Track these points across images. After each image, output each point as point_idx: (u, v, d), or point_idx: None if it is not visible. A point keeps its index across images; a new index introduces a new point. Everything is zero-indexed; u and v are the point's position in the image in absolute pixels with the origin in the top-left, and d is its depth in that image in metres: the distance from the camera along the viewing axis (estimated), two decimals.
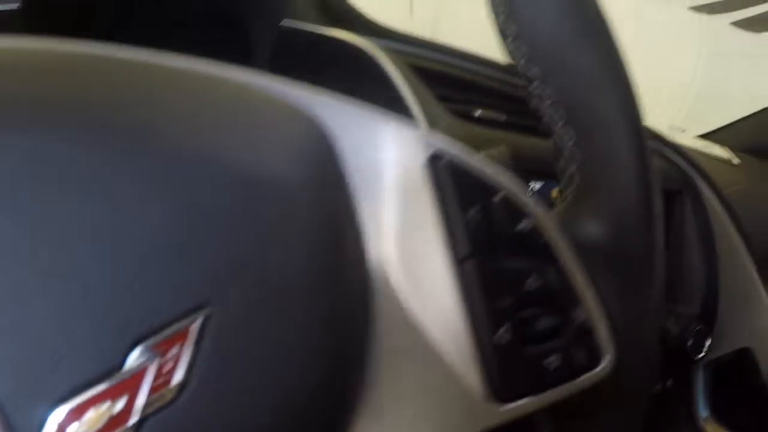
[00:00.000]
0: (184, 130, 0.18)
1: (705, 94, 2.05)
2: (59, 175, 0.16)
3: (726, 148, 0.90)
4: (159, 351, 0.16)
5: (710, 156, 0.86)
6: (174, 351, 0.16)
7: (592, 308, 0.24)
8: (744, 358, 0.62)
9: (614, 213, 0.26)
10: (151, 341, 0.16)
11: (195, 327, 0.16)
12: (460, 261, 0.21)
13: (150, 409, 0.16)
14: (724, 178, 0.81)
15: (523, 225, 0.23)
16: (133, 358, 0.16)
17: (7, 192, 0.15)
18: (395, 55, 0.53)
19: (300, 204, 0.19)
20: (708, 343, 0.62)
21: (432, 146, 0.22)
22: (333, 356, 0.19)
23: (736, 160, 0.88)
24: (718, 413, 0.62)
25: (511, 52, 0.26)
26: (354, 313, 0.20)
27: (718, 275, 0.62)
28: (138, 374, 0.15)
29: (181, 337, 0.16)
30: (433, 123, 0.46)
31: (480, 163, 0.23)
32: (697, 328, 0.62)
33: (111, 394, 0.15)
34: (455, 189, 0.21)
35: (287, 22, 0.49)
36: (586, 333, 0.24)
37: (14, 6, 0.44)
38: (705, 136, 1.00)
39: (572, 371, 0.24)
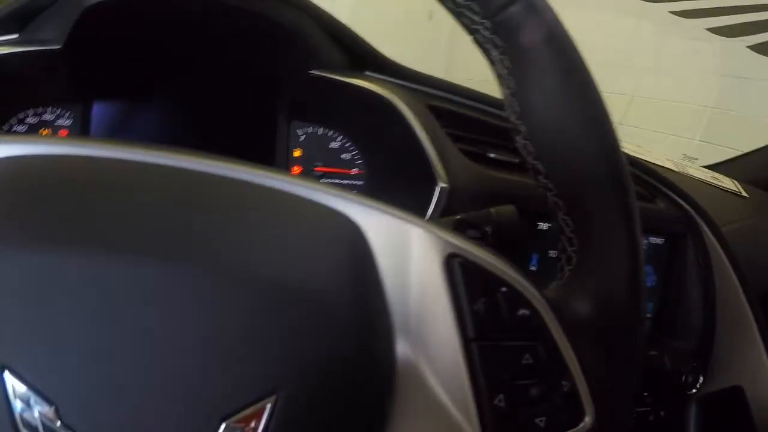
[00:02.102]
0: (245, 251, 0.23)
1: (720, 116, 2.05)
2: (155, 295, 0.20)
3: (735, 180, 0.92)
4: (240, 426, 0.20)
5: (719, 188, 0.88)
6: (252, 425, 0.21)
7: (577, 377, 0.28)
8: (736, 395, 0.65)
9: (606, 296, 0.29)
10: (234, 419, 0.20)
11: (267, 408, 0.21)
12: (467, 343, 0.26)
13: None
14: (732, 212, 0.82)
15: (522, 311, 0.27)
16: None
17: (114, 308, 0.20)
18: (415, 96, 0.56)
19: (344, 307, 0.23)
20: (701, 378, 0.65)
21: (449, 247, 0.26)
22: (368, 421, 0.24)
23: (744, 193, 0.90)
24: None
25: (522, 148, 0.29)
26: (383, 383, 0.24)
27: (716, 315, 0.65)
28: None
29: (256, 415, 0.21)
30: (448, 168, 0.49)
31: (489, 257, 0.27)
32: (692, 364, 0.65)
33: None
34: (466, 284, 0.26)
35: (315, 71, 0.52)
36: (571, 397, 0.28)
37: (57, 47, 0.47)
38: (714, 167, 1.01)
39: (558, 429, 0.28)
